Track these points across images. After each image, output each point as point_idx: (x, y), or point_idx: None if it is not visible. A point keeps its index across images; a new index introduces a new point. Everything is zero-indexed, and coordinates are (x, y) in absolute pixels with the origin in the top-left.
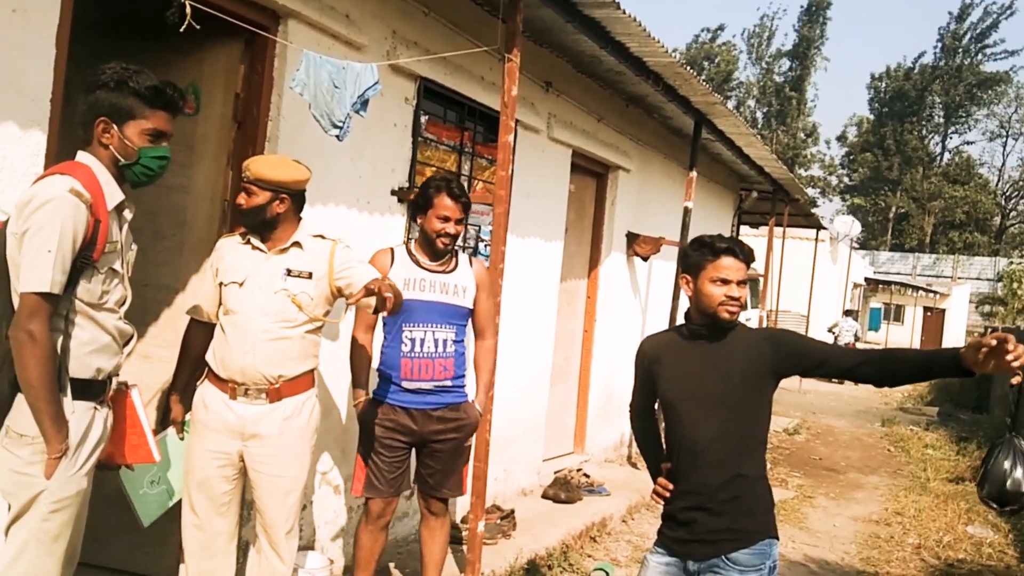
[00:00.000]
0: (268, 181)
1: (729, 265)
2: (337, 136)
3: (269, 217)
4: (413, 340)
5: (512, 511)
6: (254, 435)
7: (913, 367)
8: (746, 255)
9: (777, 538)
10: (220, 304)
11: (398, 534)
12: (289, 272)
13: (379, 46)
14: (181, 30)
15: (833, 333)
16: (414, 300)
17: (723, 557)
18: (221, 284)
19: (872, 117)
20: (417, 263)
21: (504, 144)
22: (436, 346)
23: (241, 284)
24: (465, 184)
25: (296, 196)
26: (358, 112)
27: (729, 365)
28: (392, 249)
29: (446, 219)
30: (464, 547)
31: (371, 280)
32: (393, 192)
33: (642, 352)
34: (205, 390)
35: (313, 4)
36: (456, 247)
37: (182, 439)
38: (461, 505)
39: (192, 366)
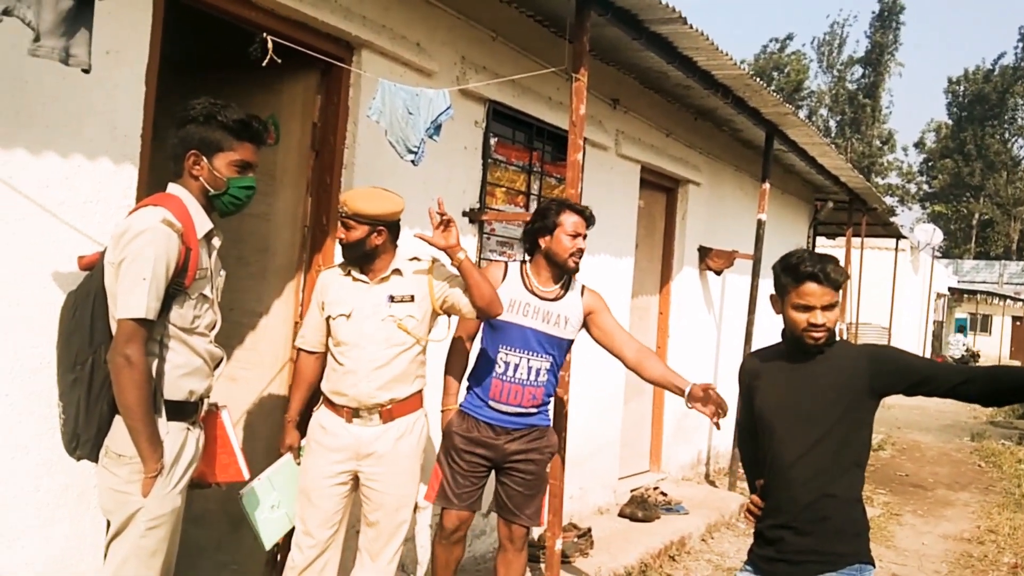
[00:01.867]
0: (365, 216)
1: (812, 291)
2: (412, 161)
3: (368, 249)
4: (507, 364)
5: (589, 529)
6: (369, 454)
7: None
8: (832, 280)
9: (871, 563)
10: (328, 335)
11: (476, 551)
12: (392, 298)
13: (449, 72)
14: (264, 64)
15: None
16: (513, 324)
17: None
18: (329, 318)
19: (951, 122)
20: (527, 286)
21: (573, 163)
22: (529, 374)
23: (349, 316)
24: (534, 203)
25: (392, 227)
26: (431, 137)
27: (825, 382)
28: (507, 264)
29: (576, 235)
30: (542, 565)
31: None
32: (464, 213)
33: (743, 367)
34: (322, 414)
35: (386, 34)
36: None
37: (298, 463)
38: None
39: (305, 394)
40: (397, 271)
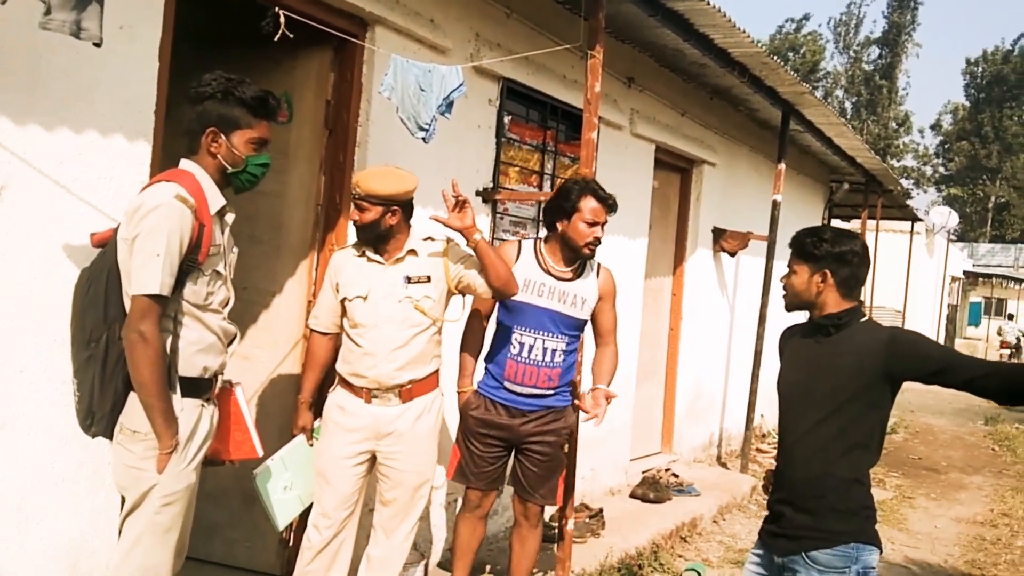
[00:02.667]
0: (379, 196)
1: (789, 263)
2: (423, 139)
3: (383, 230)
4: (523, 344)
5: (601, 510)
6: (388, 433)
7: None
8: (796, 244)
9: (871, 543)
10: (343, 317)
11: (489, 530)
12: (409, 279)
13: (463, 49)
14: (276, 39)
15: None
16: (529, 304)
17: (803, 554)
18: (344, 299)
19: (968, 103)
20: (542, 265)
21: (587, 141)
22: (544, 355)
23: (365, 298)
24: (548, 183)
25: (406, 206)
26: (443, 114)
27: (840, 361)
28: (520, 243)
29: (594, 223)
30: (554, 545)
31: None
32: (478, 193)
33: (780, 339)
34: (339, 396)
35: (399, 10)
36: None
37: (311, 446)
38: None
39: (318, 375)
40: (412, 251)
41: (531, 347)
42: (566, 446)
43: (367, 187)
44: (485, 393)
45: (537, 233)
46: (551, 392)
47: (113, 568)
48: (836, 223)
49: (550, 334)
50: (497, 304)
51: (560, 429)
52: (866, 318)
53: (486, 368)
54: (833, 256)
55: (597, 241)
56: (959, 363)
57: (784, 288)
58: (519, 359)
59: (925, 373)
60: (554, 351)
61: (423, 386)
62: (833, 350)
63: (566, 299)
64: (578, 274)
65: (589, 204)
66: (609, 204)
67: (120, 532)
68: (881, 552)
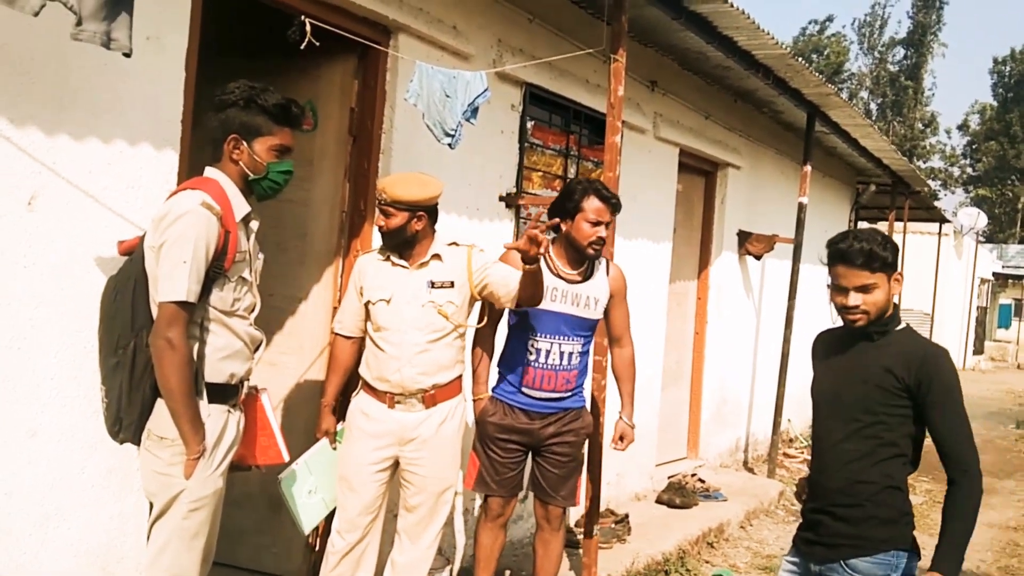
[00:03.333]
0: (404, 202)
1: (843, 273)
2: (449, 144)
3: (409, 236)
4: (539, 350)
5: (626, 515)
6: (412, 439)
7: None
8: (866, 257)
9: (912, 551)
10: (367, 320)
11: (513, 536)
12: (432, 284)
13: (486, 55)
14: (302, 47)
15: None
16: (543, 310)
17: (841, 562)
18: (368, 303)
19: (996, 103)
20: (552, 269)
21: (611, 145)
22: (561, 359)
23: (388, 301)
24: None
25: (431, 211)
26: (468, 120)
27: (870, 372)
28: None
29: (597, 223)
30: (579, 551)
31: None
32: (501, 198)
33: (813, 343)
34: (362, 400)
35: (422, 17)
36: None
37: (335, 449)
38: (575, 509)
39: (341, 379)
40: (437, 256)
41: (548, 352)
42: (584, 446)
43: (393, 193)
44: (502, 398)
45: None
46: (568, 394)
47: (142, 573)
48: (863, 225)
49: (565, 338)
50: (507, 311)
51: (579, 429)
52: (904, 325)
53: (501, 375)
54: (895, 257)
55: (601, 241)
56: (947, 446)
57: (856, 308)
58: (536, 365)
59: (926, 411)
60: (570, 354)
61: (446, 391)
62: (870, 358)
63: (579, 301)
64: (587, 275)
65: (592, 204)
66: (612, 203)
67: (148, 537)
68: (919, 559)
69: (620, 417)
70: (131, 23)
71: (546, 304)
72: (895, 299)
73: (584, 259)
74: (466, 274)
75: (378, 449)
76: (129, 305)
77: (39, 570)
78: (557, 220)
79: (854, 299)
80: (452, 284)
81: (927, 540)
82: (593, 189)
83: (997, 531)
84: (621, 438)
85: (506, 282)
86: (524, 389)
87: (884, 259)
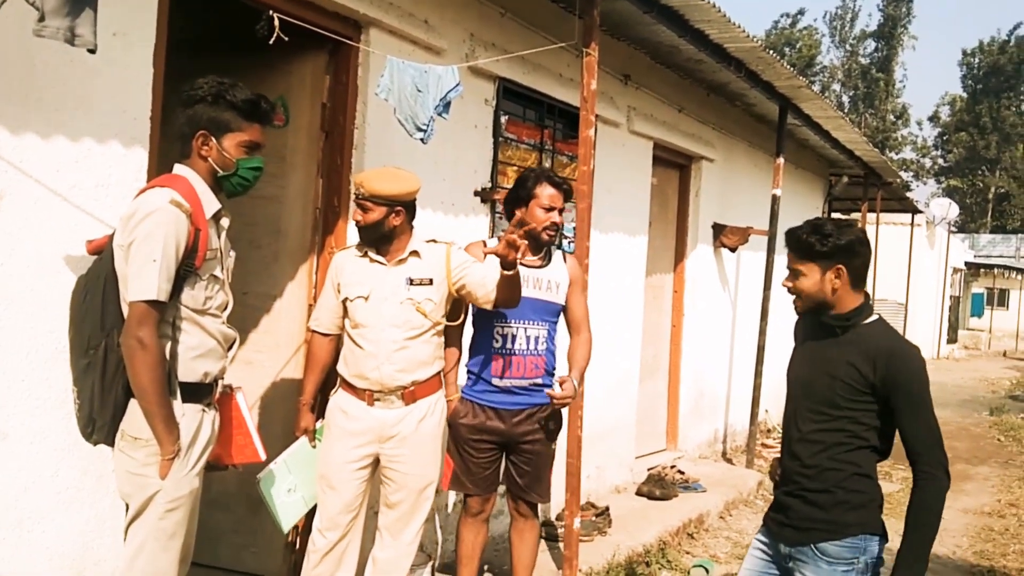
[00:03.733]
0: (382, 196)
1: (788, 257)
2: (421, 139)
3: (387, 231)
4: (504, 336)
5: (607, 508)
6: (392, 436)
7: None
8: (795, 243)
9: (880, 535)
10: (344, 317)
11: (494, 531)
12: (411, 281)
13: (458, 49)
14: (271, 43)
15: None
16: None
17: (812, 546)
18: (346, 299)
19: (966, 95)
20: None
21: (585, 139)
22: (528, 343)
23: (367, 298)
24: None
25: (409, 207)
26: (440, 115)
27: (836, 366)
28: (484, 242)
29: (550, 208)
30: (560, 544)
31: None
32: (476, 193)
33: (795, 325)
34: (340, 399)
35: (393, 12)
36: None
37: (314, 447)
38: (556, 502)
39: (319, 376)
40: (415, 253)
41: (514, 336)
42: (554, 444)
43: (371, 187)
44: (472, 399)
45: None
46: (540, 383)
47: (119, 575)
48: (836, 216)
49: (531, 322)
50: (470, 307)
51: (550, 425)
52: (874, 317)
53: (470, 374)
54: (842, 249)
55: (554, 226)
56: (913, 442)
57: (792, 292)
58: (504, 352)
59: (894, 411)
60: (536, 338)
61: (425, 388)
62: (837, 352)
63: (540, 285)
64: (546, 262)
65: (545, 190)
66: (564, 189)
67: (125, 539)
68: (887, 542)
69: (563, 378)
70: (95, 19)
71: None
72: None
73: (541, 246)
74: (444, 272)
75: (358, 447)
76: (99, 305)
77: (14, 573)
78: (522, 216)
79: (786, 281)
80: (431, 281)
81: (902, 526)
82: (545, 176)
83: (972, 517)
84: (561, 385)
85: (484, 283)
86: (494, 381)
87: (811, 247)
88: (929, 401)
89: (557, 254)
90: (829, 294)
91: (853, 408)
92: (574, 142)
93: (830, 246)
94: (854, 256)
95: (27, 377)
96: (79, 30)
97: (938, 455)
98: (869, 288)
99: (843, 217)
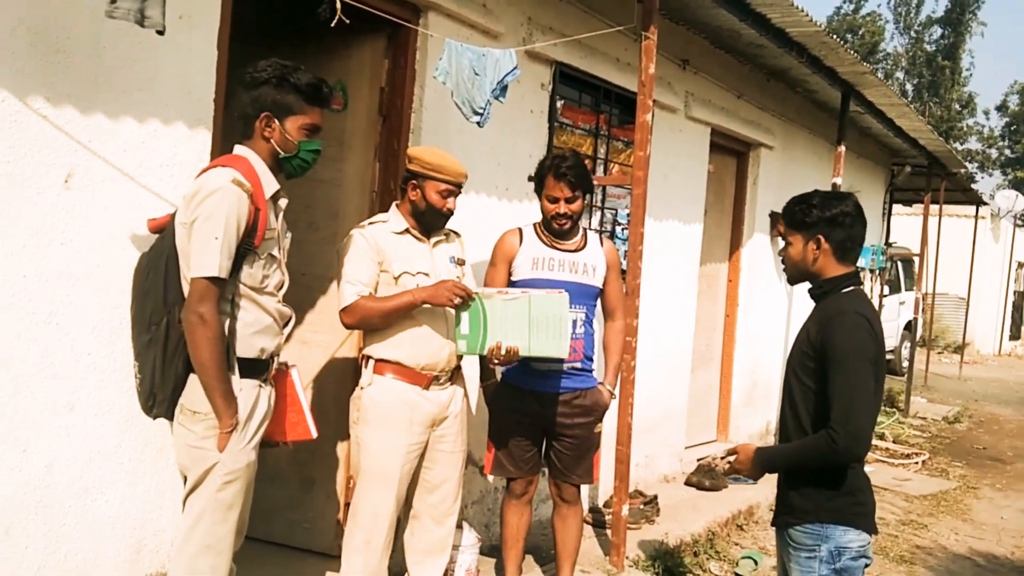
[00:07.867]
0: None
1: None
2: (478, 123)
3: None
4: None
5: (655, 497)
6: (446, 417)
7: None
8: (784, 212)
9: (846, 524)
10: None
11: (542, 516)
12: (453, 259)
13: (515, 33)
14: (332, 25)
15: None
16: (543, 279)
17: (784, 530)
18: (403, 274)
19: None
20: (545, 242)
21: (642, 124)
22: None
23: (429, 275)
24: (601, 168)
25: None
26: (497, 98)
27: (800, 338)
28: (520, 229)
29: (555, 200)
30: (608, 531)
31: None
32: (530, 178)
33: None
34: (391, 387)
35: None
36: (583, 226)
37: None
38: (604, 490)
39: None
40: (449, 234)
41: None
42: (599, 426)
43: (462, 170)
44: (512, 383)
45: (591, 218)
46: (579, 367)
47: (177, 545)
48: (897, 207)
49: (569, 305)
50: (509, 288)
51: (591, 409)
52: (851, 288)
53: None
54: (825, 220)
55: (561, 216)
56: (833, 402)
57: (783, 261)
58: None
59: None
60: (574, 321)
61: (459, 366)
62: (806, 324)
63: (577, 268)
64: (582, 246)
65: (550, 181)
66: (570, 180)
67: (183, 510)
68: (870, 534)
69: (603, 383)
70: (164, 1)
71: (546, 274)
72: (928, 286)
73: (560, 233)
74: (464, 256)
75: (416, 438)
76: (161, 282)
77: (79, 540)
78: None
79: (781, 250)
80: (464, 262)
81: (959, 524)
82: (553, 166)
83: None
84: (597, 404)
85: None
86: (534, 365)
87: (794, 217)
88: (855, 367)
89: (593, 237)
90: (810, 263)
91: (809, 379)
92: (630, 127)
93: (812, 217)
94: (837, 227)
95: (93, 351)
96: (149, 11)
97: (844, 419)
98: (929, 280)
99: (907, 212)
